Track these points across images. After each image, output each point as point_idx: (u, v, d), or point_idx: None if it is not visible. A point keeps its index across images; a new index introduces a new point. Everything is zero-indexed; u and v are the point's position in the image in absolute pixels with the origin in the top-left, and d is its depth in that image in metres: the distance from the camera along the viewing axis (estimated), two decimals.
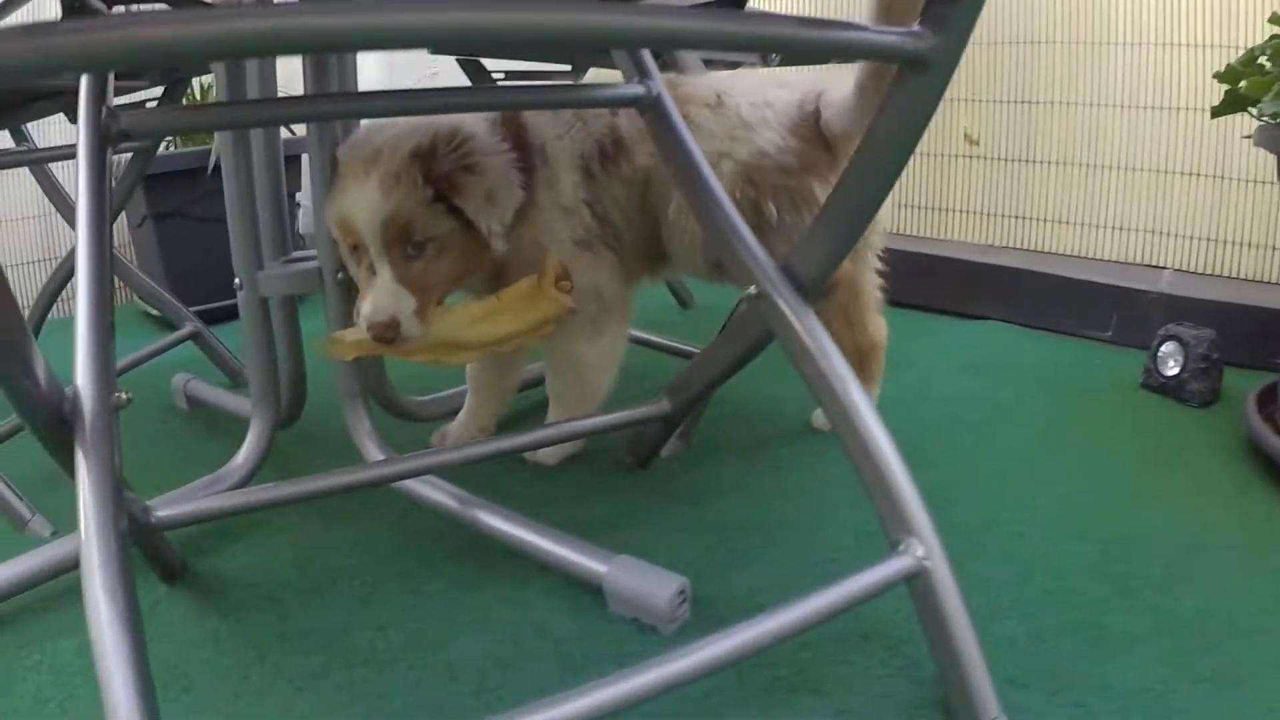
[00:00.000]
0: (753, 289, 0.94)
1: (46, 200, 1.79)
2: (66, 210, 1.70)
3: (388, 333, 1.06)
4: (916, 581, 0.80)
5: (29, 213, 2.26)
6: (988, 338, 1.77)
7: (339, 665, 0.92)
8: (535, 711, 0.63)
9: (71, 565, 1.06)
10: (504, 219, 1.10)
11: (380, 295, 1.07)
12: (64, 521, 1.21)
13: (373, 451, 1.15)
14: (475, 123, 1.15)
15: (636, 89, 1.04)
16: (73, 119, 1.51)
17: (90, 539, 0.69)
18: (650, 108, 1.05)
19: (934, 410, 1.47)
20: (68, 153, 1.72)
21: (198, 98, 2.11)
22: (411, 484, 1.13)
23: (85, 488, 0.72)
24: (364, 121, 1.18)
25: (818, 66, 1.64)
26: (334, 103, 1.11)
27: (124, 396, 0.78)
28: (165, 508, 1.00)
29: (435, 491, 1.11)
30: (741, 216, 0.99)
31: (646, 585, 0.94)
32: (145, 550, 1.04)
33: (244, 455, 1.20)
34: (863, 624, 0.93)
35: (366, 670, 0.91)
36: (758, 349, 1.05)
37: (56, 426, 0.77)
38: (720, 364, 1.09)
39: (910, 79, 0.74)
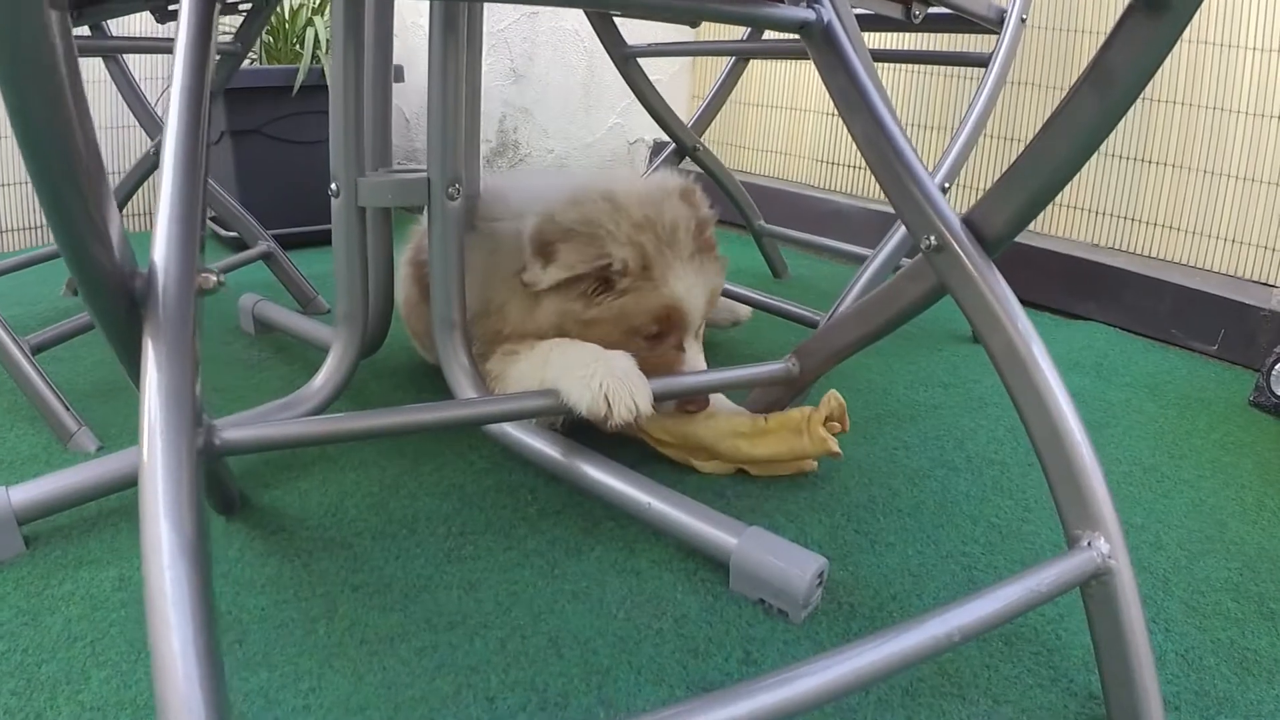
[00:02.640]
0: (931, 239, 0.75)
1: (119, 113, 1.58)
2: (140, 109, 1.50)
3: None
4: (1095, 584, 0.65)
5: (102, 123, 2.05)
6: (1092, 338, 1.57)
7: (421, 627, 0.74)
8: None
9: (117, 486, 0.88)
10: None
11: (699, 362, 0.99)
12: (113, 437, 1.03)
13: (465, 388, 0.95)
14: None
15: (805, 13, 0.84)
16: (159, 18, 1.34)
17: (155, 451, 0.50)
18: (819, 35, 0.84)
19: None
20: (152, 45, 1.54)
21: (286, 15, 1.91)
22: (509, 429, 0.93)
23: (152, 386, 0.53)
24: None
25: None
26: None
27: (214, 278, 0.58)
28: (234, 429, 0.81)
29: (535, 439, 0.91)
30: None
31: (783, 564, 0.75)
32: (208, 479, 0.85)
33: (322, 379, 1.01)
34: (1006, 626, 0.77)
35: (454, 635, 0.73)
36: (919, 308, 0.85)
37: (124, 311, 0.57)
38: (871, 324, 0.89)
39: (1146, 20, 0.60)
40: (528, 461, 0.95)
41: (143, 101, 1.52)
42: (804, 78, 2.16)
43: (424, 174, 0.97)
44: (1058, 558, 0.64)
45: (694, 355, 0.98)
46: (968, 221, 0.75)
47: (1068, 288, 1.67)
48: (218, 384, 1.21)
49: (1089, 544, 0.65)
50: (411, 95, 2.27)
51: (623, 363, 0.84)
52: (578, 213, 0.92)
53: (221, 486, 0.89)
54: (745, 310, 1.44)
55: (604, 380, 0.80)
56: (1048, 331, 1.59)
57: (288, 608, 0.76)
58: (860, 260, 1.25)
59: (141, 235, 2.05)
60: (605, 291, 0.93)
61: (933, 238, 0.74)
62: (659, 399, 0.92)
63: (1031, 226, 1.86)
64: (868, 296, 0.92)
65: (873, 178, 2.09)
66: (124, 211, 1.61)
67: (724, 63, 1.70)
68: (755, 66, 2.25)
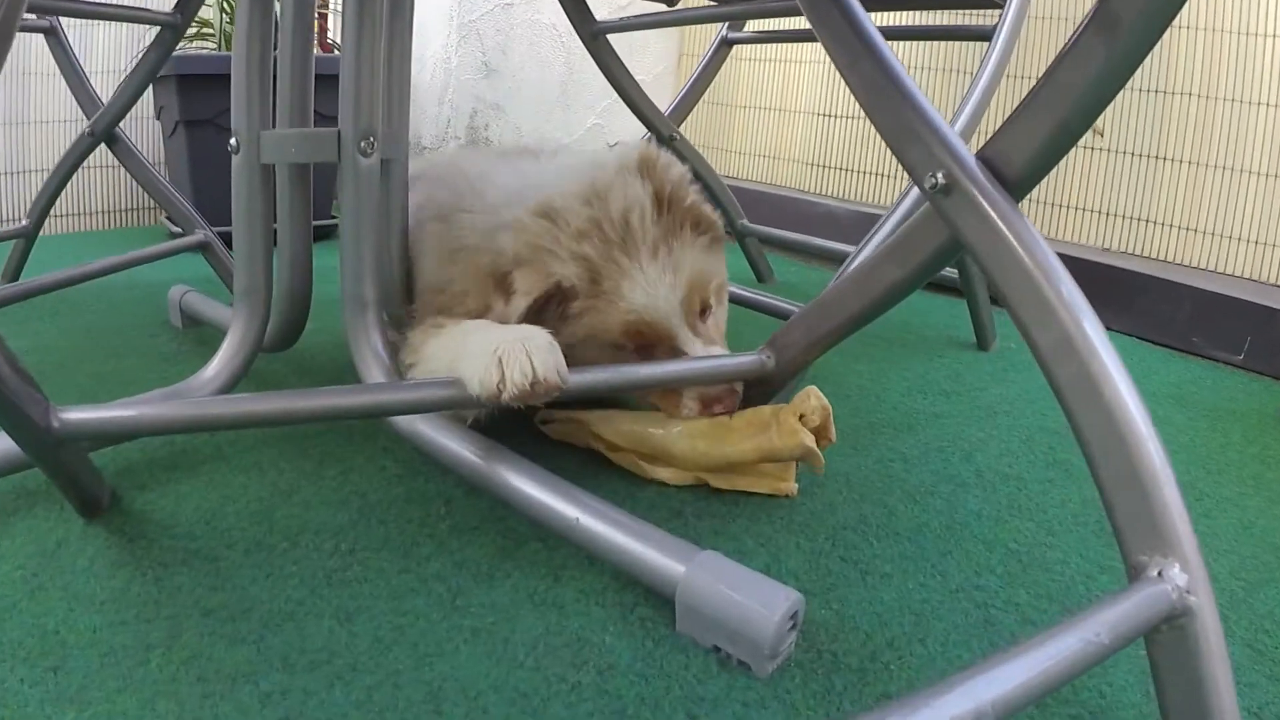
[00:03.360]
0: (937, 177, 0.56)
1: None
2: (78, 85, 1.33)
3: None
4: (1166, 629, 0.45)
5: (33, 118, 1.83)
6: None
7: (275, 665, 0.55)
8: None
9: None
10: None
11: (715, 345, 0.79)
12: None
13: (375, 373, 0.76)
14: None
15: None
16: None
17: None
18: None
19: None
20: (94, 10, 1.36)
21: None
22: (421, 425, 0.73)
23: None
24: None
25: None
26: None
27: None
28: (78, 411, 0.63)
29: (449, 438, 0.71)
30: None
31: (744, 600, 0.55)
32: (54, 470, 0.67)
33: (216, 367, 0.82)
34: None
35: (313, 678, 0.53)
36: (917, 281, 0.66)
37: None
38: (860, 303, 0.69)
39: None
40: (446, 468, 0.75)
41: (81, 79, 1.34)
42: (792, 78, 1.99)
43: (335, 128, 0.79)
44: (1120, 593, 0.44)
45: (699, 354, 0.77)
46: (983, 159, 0.57)
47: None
48: (129, 377, 1.03)
49: (1159, 573, 0.45)
50: None
51: (530, 331, 0.65)
52: (522, 238, 0.75)
53: (78, 482, 0.70)
54: None
55: (499, 346, 0.62)
56: None
57: (124, 631, 0.57)
58: None
59: (83, 235, 1.87)
60: (566, 317, 0.75)
61: (939, 175, 0.55)
62: (593, 391, 0.72)
63: (1038, 230, 1.68)
64: (853, 269, 0.73)
65: (865, 183, 1.92)
66: (52, 212, 1.42)
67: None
68: (742, 66, 2.08)
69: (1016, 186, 0.56)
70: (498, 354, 0.61)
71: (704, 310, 0.79)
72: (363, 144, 0.76)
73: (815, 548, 0.71)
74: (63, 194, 1.87)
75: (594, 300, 0.74)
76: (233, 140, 0.81)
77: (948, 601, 0.65)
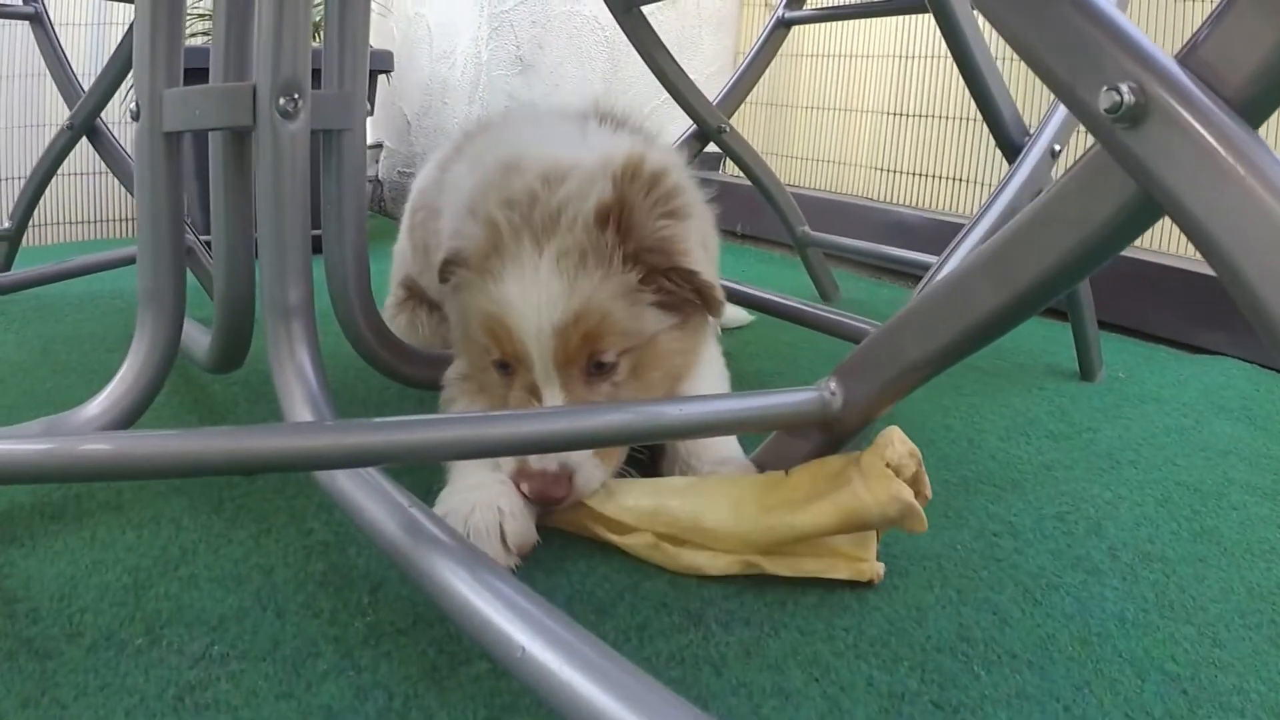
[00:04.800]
0: (1122, 91, 0.33)
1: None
2: (59, 70, 1.18)
3: (556, 489, 0.57)
4: None
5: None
6: (1229, 377, 1.09)
7: None
8: None
9: None
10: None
11: None
12: None
13: (298, 408, 0.55)
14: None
15: None
16: None
17: None
18: None
19: (1200, 464, 0.81)
20: None
21: None
22: (344, 481, 0.52)
23: None
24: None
25: None
26: None
27: None
28: None
29: (373, 499, 0.49)
30: None
31: None
32: None
33: (106, 398, 0.62)
34: None
35: None
36: (1093, 258, 0.42)
37: None
38: (981, 308, 0.46)
39: None
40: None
41: (66, 69, 1.19)
42: (858, 74, 1.75)
43: (250, 82, 0.59)
44: None
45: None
46: (1189, 69, 0.33)
47: (1189, 315, 1.19)
48: (60, 397, 0.86)
49: None
50: (412, 92, 1.93)
51: (509, 493, 0.57)
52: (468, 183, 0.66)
53: None
54: (740, 315, 1.12)
55: (475, 506, 0.55)
56: (1170, 370, 1.11)
57: None
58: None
59: (93, 243, 1.72)
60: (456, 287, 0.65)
61: (1124, 88, 0.32)
62: (592, 440, 0.51)
63: (1139, 240, 1.41)
64: (958, 269, 0.49)
65: (941, 189, 1.66)
66: (32, 222, 1.27)
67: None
68: (803, 63, 1.85)
69: (1248, 109, 0.32)
70: (469, 518, 0.54)
71: (599, 365, 0.59)
72: (283, 100, 0.56)
73: (895, 685, 0.46)
74: (71, 200, 1.74)
75: (477, 276, 0.60)
76: (133, 104, 0.62)
77: None
